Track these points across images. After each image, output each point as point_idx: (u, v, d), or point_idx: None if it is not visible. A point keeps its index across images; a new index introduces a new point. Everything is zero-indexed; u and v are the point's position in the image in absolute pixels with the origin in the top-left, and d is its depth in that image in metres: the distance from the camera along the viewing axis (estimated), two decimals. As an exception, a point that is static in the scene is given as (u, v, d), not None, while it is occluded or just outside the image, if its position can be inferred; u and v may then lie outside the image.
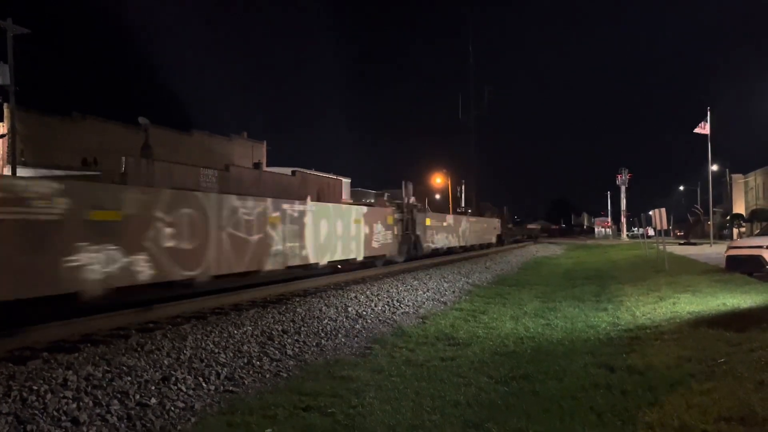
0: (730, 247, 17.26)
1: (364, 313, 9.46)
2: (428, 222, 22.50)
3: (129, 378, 5.40)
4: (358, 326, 8.56)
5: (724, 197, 69.96)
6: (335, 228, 14.76)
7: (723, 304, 9.84)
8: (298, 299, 10.34)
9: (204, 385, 5.54)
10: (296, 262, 12.95)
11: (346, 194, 52.59)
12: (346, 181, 54.02)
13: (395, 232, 19.09)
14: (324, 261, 14.30)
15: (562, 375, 5.88)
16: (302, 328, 7.99)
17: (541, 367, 6.18)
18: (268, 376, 6.04)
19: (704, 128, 36.29)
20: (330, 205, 15.78)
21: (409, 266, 17.74)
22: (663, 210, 20.02)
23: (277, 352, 6.84)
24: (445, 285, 13.64)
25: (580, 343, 7.53)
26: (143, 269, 8.74)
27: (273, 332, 7.63)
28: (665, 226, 20.17)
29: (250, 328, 7.74)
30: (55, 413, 4.57)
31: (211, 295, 10.11)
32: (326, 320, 8.63)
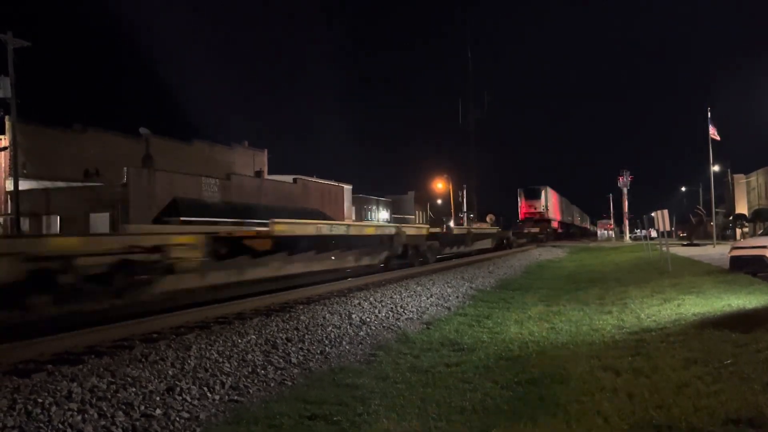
0: (733, 248, 17.23)
1: (368, 319, 9.44)
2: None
3: (134, 389, 5.38)
4: (362, 333, 8.54)
5: (726, 198, 69.86)
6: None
7: (728, 305, 9.80)
8: (301, 307, 10.32)
9: (209, 394, 5.52)
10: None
11: (347, 201, 52.61)
12: (347, 188, 54.04)
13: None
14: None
15: (567, 379, 5.85)
16: (306, 336, 7.98)
17: (547, 371, 6.16)
18: (272, 384, 6.02)
19: (715, 134, 36.17)
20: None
21: (413, 272, 17.72)
22: (665, 211, 19.99)
23: (281, 360, 6.83)
24: (449, 290, 13.61)
25: (585, 346, 7.50)
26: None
27: (277, 340, 7.61)
28: (668, 228, 20.14)
29: (254, 336, 7.72)
30: (60, 426, 4.56)
31: (214, 305, 10.10)
32: (330, 328, 8.61)
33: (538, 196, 56.75)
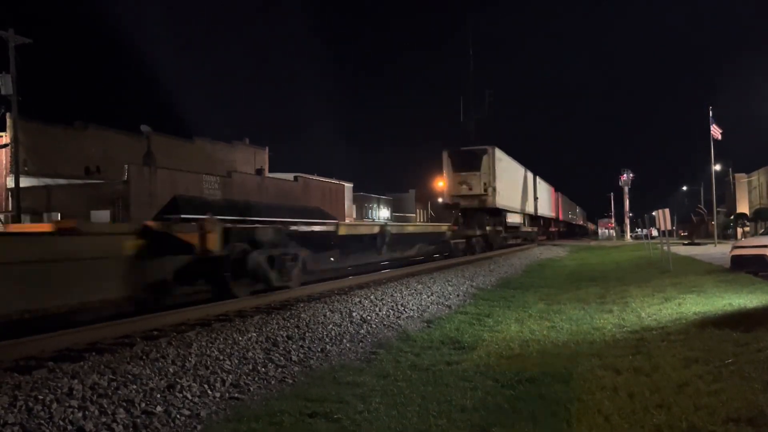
0: (734, 247, 17.26)
1: (369, 317, 9.44)
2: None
3: (134, 386, 5.39)
4: (362, 331, 8.54)
5: (727, 197, 69.80)
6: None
7: (729, 305, 9.81)
8: (302, 305, 10.32)
9: (209, 392, 5.53)
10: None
11: (348, 199, 52.63)
12: (348, 186, 54.04)
13: None
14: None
15: (568, 378, 5.86)
16: (307, 334, 7.98)
17: (547, 370, 6.16)
18: (273, 382, 6.03)
19: (717, 132, 36.12)
20: None
21: (414, 270, 17.73)
22: (667, 210, 20.01)
23: (282, 358, 6.83)
24: (450, 288, 13.61)
25: (585, 345, 7.50)
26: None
27: (278, 338, 7.62)
28: (669, 227, 20.15)
29: (255, 334, 7.72)
30: (61, 423, 4.57)
31: (214, 302, 10.11)
32: (331, 325, 8.61)
33: (475, 165, 29.01)
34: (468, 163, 29.53)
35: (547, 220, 50.58)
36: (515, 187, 34.60)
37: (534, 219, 42.61)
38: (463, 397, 5.31)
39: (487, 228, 29.15)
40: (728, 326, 7.62)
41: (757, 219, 52.58)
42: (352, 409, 5.04)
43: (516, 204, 34.60)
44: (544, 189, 46.93)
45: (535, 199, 42.13)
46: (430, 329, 8.88)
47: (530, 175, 40.48)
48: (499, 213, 30.78)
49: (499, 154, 30.32)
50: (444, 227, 24.79)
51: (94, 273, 8.53)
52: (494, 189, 29.01)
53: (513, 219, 34.29)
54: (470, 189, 29.11)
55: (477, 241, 27.58)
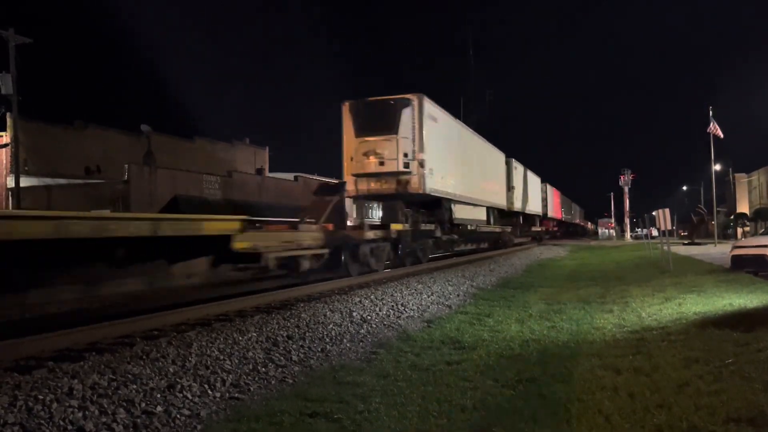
0: (734, 247, 17.28)
1: (369, 317, 9.44)
2: None
3: (134, 386, 5.38)
4: (363, 331, 8.54)
5: (727, 197, 69.83)
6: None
7: (729, 305, 9.81)
8: (302, 304, 10.32)
9: (210, 392, 5.52)
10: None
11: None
12: (348, 186, 53.76)
13: None
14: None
15: (568, 377, 5.86)
16: (307, 334, 7.98)
17: (548, 369, 6.16)
18: (273, 382, 6.03)
19: (716, 130, 36.12)
20: None
21: (414, 270, 17.72)
22: (667, 210, 20.04)
23: (282, 358, 6.83)
24: (450, 288, 13.61)
25: (586, 345, 7.50)
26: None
27: (278, 338, 7.62)
28: (669, 227, 20.17)
29: (255, 334, 7.72)
30: (61, 422, 4.56)
31: (214, 302, 10.11)
32: (331, 325, 8.61)
33: (389, 125, 17.15)
34: (378, 122, 17.71)
35: (530, 218, 40.55)
36: (469, 167, 23.64)
37: (508, 215, 32.93)
38: (464, 397, 5.31)
39: (400, 227, 17.48)
40: (728, 326, 7.63)
41: (757, 219, 52.68)
42: (352, 409, 5.04)
43: (472, 192, 23.68)
44: (527, 179, 37.75)
45: (510, 188, 32.30)
46: (430, 329, 8.88)
47: (499, 155, 30.64)
48: (438, 204, 20.11)
49: (432, 108, 18.59)
50: (221, 225, 10.34)
51: None
52: (422, 163, 17.54)
53: (466, 214, 23.46)
54: (381, 163, 17.54)
55: (376, 248, 15.99)
